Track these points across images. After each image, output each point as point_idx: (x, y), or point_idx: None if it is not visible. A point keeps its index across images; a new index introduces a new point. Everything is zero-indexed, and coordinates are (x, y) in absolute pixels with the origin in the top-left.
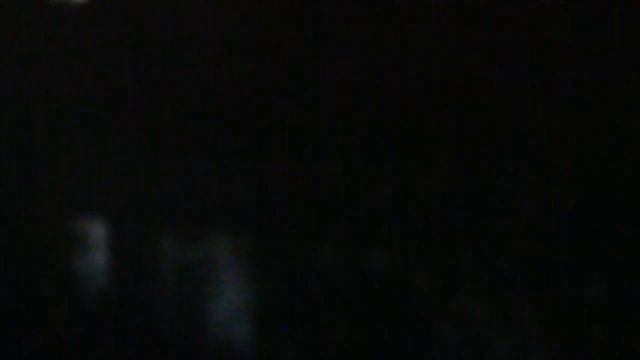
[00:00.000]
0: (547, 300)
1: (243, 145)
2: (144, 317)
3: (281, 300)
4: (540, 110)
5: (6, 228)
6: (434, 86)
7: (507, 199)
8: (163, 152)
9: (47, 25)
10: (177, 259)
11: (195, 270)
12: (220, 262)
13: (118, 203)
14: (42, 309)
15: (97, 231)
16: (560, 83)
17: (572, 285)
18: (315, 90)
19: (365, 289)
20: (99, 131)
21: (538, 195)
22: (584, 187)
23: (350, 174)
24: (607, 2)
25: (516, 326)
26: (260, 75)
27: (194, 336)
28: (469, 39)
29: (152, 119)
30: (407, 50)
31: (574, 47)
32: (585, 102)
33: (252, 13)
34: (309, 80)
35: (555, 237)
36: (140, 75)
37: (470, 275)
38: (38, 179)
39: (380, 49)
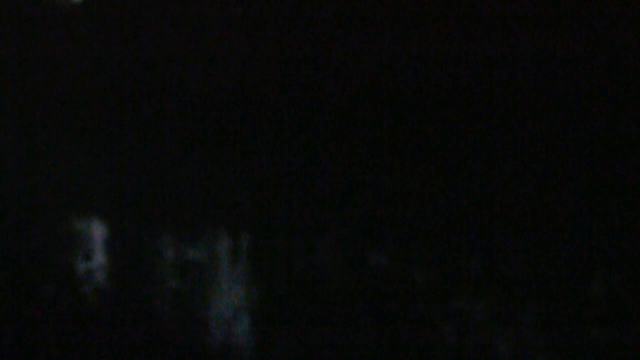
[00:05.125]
0: (547, 300)
1: (243, 145)
2: (143, 317)
3: (281, 300)
4: (540, 110)
5: (6, 228)
6: (434, 88)
7: (506, 199)
8: (162, 152)
9: (47, 25)
10: (176, 259)
11: (196, 270)
12: (220, 261)
13: (118, 202)
14: (43, 309)
15: (96, 231)
16: (559, 84)
17: (572, 285)
18: (315, 90)
19: (365, 289)
20: (98, 131)
21: (537, 195)
22: (583, 187)
23: (351, 174)
24: (607, 3)
25: (516, 326)
26: (260, 76)
27: (194, 335)
28: (468, 41)
29: (151, 118)
30: (407, 52)
31: (573, 49)
32: (585, 102)
33: (252, 13)
34: (309, 81)
35: (555, 237)
36: (139, 75)
37: (470, 275)
38: (37, 177)
39: (380, 50)
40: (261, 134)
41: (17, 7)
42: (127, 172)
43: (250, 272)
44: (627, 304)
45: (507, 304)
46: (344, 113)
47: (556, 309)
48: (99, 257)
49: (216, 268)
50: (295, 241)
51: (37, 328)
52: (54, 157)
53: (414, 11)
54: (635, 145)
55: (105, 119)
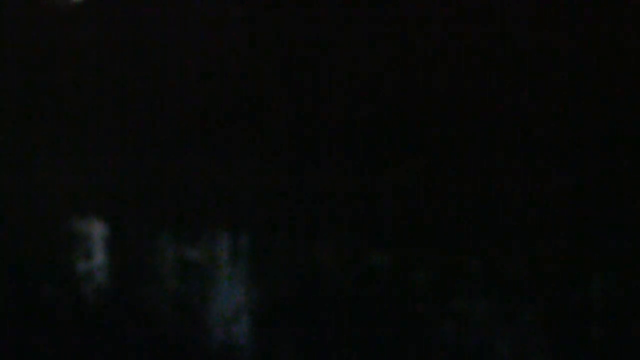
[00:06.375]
0: (547, 300)
1: (243, 145)
2: (144, 317)
3: (281, 300)
4: (540, 110)
5: (6, 228)
6: (434, 87)
7: (507, 199)
8: (162, 152)
9: (47, 25)
10: (177, 259)
11: (196, 270)
12: (219, 261)
13: (117, 203)
14: (43, 308)
15: (97, 231)
16: (559, 84)
17: (572, 285)
18: (315, 90)
19: (365, 289)
20: (98, 131)
21: (538, 195)
22: (583, 187)
23: (351, 174)
24: (607, 3)
25: (516, 326)
26: (259, 75)
27: (194, 335)
28: (469, 40)
29: (151, 118)
30: (407, 52)
31: (573, 48)
32: (585, 102)
33: (252, 13)
34: (309, 80)
35: (555, 237)
36: (139, 75)
37: (470, 275)
38: (37, 177)
39: (380, 50)
40: (261, 134)
41: (17, 7)
42: (127, 172)
43: (250, 272)
44: (627, 304)
45: (507, 304)
46: (345, 113)
47: (556, 309)
48: (99, 257)
49: (216, 268)
50: (295, 241)
51: (37, 328)
52: (54, 158)
53: (415, 12)
54: (635, 145)
55: (105, 119)
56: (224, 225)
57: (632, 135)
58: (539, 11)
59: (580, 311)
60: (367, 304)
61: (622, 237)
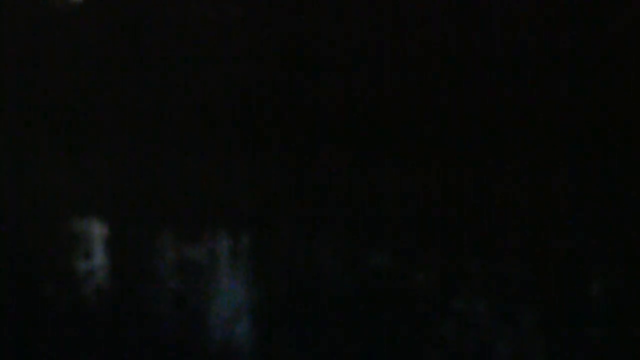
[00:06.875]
0: (547, 300)
1: (242, 145)
2: (143, 317)
3: (281, 300)
4: (540, 110)
5: (6, 227)
6: (434, 89)
7: (507, 199)
8: (162, 152)
9: (47, 25)
10: (177, 259)
11: (196, 270)
12: (219, 261)
13: (118, 203)
14: (43, 308)
15: (97, 231)
16: (560, 83)
17: (572, 285)
18: (315, 90)
19: (365, 289)
20: (98, 131)
21: (538, 195)
22: (583, 187)
23: (351, 175)
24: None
25: (516, 326)
26: (259, 75)
27: (194, 335)
28: (468, 40)
29: (151, 118)
30: (407, 51)
31: (573, 48)
32: (585, 101)
33: (251, 13)
34: (308, 80)
35: (555, 236)
36: (139, 75)
37: (470, 275)
38: (37, 178)
39: (379, 50)
40: (261, 135)
41: (17, 7)
42: (127, 173)
43: (250, 272)
44: (627, 304)
45: (507, 304)
46: (344, 113)
47: (556, 310)
48: (99, 257)
49: (216, 268)
50: (295, 241)
51: (37, 328)
52: (54, 158)
53: (414, 11)
54: (635, 145)
55: (105, 119)
56: (224, 225)
57: (632, 135)
58: (539, 11)
59: (580, 311)
60: (367, 304)
61: (622, 237)
